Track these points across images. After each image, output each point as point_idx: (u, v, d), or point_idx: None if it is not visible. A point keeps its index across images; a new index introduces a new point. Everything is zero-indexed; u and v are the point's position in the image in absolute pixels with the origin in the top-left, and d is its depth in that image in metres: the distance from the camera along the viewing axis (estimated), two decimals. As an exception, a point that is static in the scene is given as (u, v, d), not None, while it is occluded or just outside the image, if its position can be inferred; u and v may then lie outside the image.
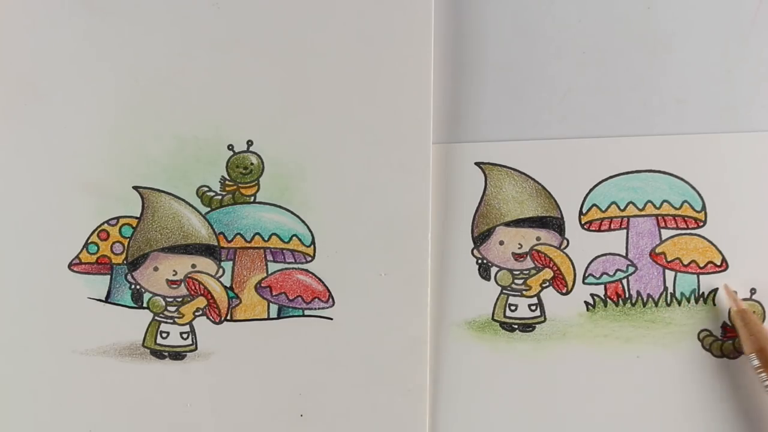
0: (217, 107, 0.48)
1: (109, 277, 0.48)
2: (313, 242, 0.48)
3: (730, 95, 0.49)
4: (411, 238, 0.48)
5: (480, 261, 0.49)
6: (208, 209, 0.48)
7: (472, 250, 0.49)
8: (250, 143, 0.48)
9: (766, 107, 0.49)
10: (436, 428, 0.48)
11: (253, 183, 0.48)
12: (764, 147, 0.49)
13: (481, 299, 0.49)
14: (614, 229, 0.49)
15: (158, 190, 0.48)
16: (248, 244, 0.48)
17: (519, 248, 0.49)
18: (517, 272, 0.49)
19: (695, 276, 0.49)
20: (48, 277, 0.48)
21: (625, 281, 0.49)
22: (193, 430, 0.47)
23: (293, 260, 0.48)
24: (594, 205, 0.49)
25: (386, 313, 0.48)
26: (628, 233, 0.49)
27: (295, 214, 0.48)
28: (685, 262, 0.49)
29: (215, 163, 0.48)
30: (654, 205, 0.49)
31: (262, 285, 0.48)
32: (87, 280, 0.48)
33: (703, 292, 0.49)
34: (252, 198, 0.48)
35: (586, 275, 0.49)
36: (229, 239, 0.48)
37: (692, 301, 0.48)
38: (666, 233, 0.49)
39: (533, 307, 0.49)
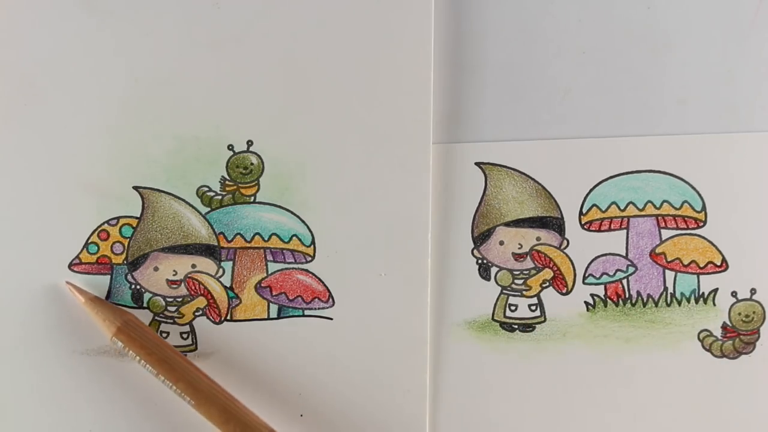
0: (217, 107, 0.48)
1: (109, 277, 0.48)
2: (313, 242, 0.48)
3: (731, 95, 0.49)
4: (411, 238, 0.48)
5: (480, 261, 0.49)
6: (208, 209, 0.48)
7: (472, 250, 0.49)
8: (250, 143, 0.48)
9: (767, 107, 0.49)
10: (436, 428, 0.48)
11: (253, 183, 0.48)
12: (764, 147, 0.49)
13: (481, 299, 0.49)
14: (614, 229, 0.49)
15: (158, 190, 0.48)
16: (248, 244, 0.48)
17: (519, 248, 0.49)
18: (517, 272, 0.49)
19: (695, 276, 0.49)
20: (48, 277, 0.48)
21: (625, 281, 0.49)
22: (193, 430, 0.47)
23: (293, 260, 0.48)
24: (594, 205, 0.49)
25: (386, 313, 0.48)
26: (628, 233, 0.49)
27: (295, 214, 0.48)
28: (685, 263, 0.49)
29: (215, 163, 0.48)
30: (654, 206, 0.49)
31: (262, 285, 0.48)
32: (87, 280, 0.48)
33: (703, 293, 0.49)
34: (252, 198, 0.48)
35: (586, 275, 0.49)
36: (229, 239, 0.48)
37: (692, 301, 0.48)
38: (666, 233, 0.49)
39: (533, 307, 0.49)
